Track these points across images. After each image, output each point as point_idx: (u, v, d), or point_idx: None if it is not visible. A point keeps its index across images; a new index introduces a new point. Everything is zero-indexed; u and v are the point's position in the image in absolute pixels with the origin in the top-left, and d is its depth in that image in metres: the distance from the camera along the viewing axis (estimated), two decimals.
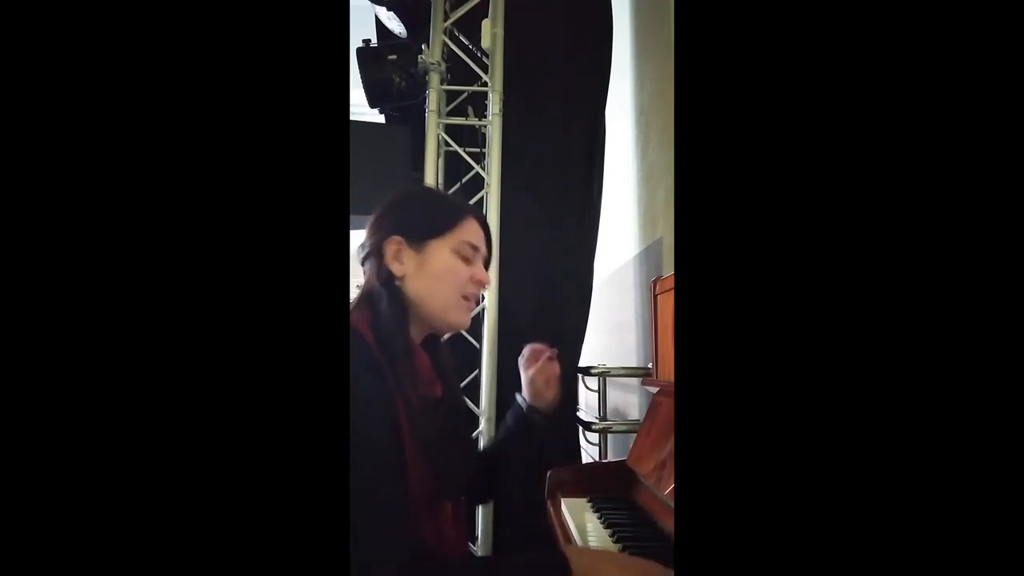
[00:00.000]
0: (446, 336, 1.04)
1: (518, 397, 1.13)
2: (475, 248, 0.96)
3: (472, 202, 2.26)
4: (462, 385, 2.24)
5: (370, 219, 0.97)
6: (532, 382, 1.10)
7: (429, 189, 1.03)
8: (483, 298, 2.23)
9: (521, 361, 1.13)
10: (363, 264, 0.96)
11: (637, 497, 1.33)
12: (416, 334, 0.94)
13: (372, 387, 0.80)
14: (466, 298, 0.95)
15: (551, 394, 1.11)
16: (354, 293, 0.96)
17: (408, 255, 0.93)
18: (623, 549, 1.02)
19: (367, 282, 0.94)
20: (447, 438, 0.95)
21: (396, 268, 0.92)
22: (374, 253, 0.94)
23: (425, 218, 0.96)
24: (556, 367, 1.12)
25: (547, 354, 1.12)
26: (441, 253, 0.93)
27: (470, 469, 1.03)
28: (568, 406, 2.40)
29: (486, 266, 1.01)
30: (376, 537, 0.75)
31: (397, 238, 0.93)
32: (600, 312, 2.82)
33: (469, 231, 0.96)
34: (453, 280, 0.93)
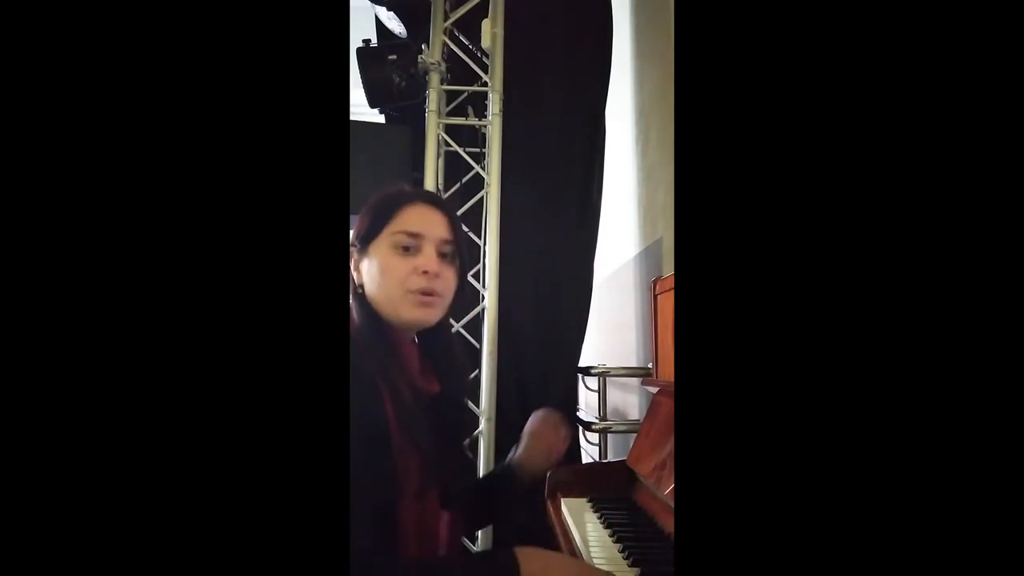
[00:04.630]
0: (453, 330, 1.04)
1: (511, 454, 1.12)
2: (414, 235, 0.91)
3: (472, 202, 2.26)
4: None
5: None
6: (531, 447, 1.09)
7: (386, 188, 0.95)
8: (483, 298, 2.23)
9: (531, 423, 1.11)
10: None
11: (637, 497, 1.33)
12: (404, 332, 0.95)
13: (360, 391, 0.79)
14: (413, 292, 0.89)
15: (547, 464, 1.10)
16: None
17: (362, 263, 0.94)
18: (623, 549, 1.02)
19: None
20: (443, 435, 0.94)
21: (356, 277, 0.94)
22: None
23: (368, 219, 0.94)
24: (564, 440, 1.10)
25: (556, 420, 1.10)
26: (379, 252, 0.91)
27: (466, 470, 1.04)
28: (568, 406, 2.40)
29: (452, 254, 0.94)
30: (361, 542, 0.74)
31: (353, 248, 0.94)
32: (600, 312, 2.82)
33: (406, 219, 0.91)
34: (390, 276, 0.89)
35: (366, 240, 0.93)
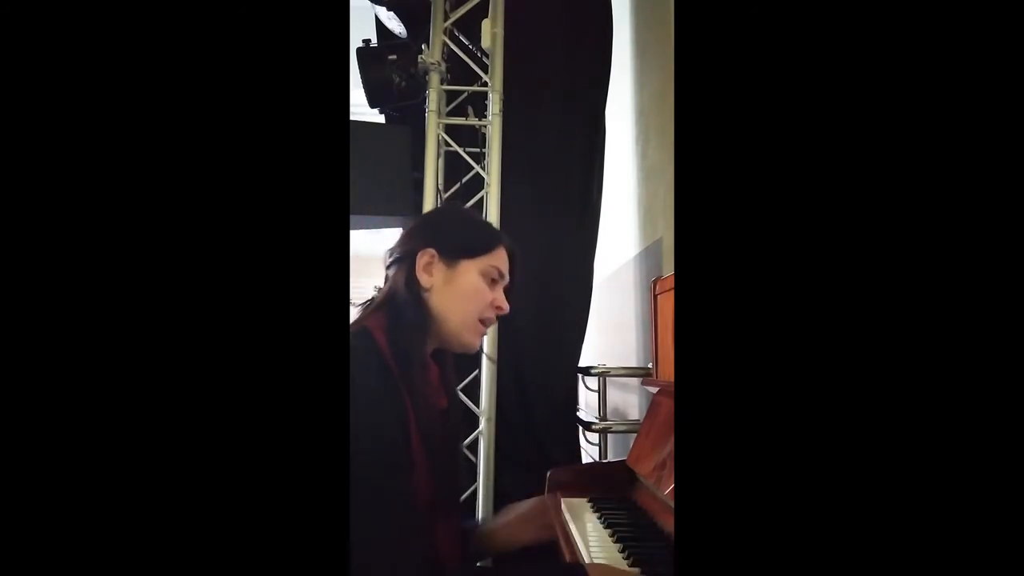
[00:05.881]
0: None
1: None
2: (501, 275, 0.98)
3: (472, 202, 2.26)
4: (462, 385, 2.24)
5: (406, 228, 1.00)
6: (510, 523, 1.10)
7: (469, 211, 1.10)
8: None
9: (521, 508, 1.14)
10: (388, 269, 0.97)
11: (637, 497, 1.33)
12: (428, 346, 0.96)
13: (383, 394, 0.81)
14: (482, 321, 0.97)
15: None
16: (371, 293, 0.97)
17: (438, 269, 0.95)
18: (623, 549, 1.02)
19: (390, 288, 0.95)
20: (450, 447, 0.97)
21: (424, 279, 0.94)
22: (404, 261, 0.95)
23: (461, 237, 0.98)
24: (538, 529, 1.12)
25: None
26: (470, 273, 0.96)
27: (464, 480, 1.07)
28: (568, 406, 2.40)
29: (507, 293, 1.02)
30: (386, 546, 0.75)
31: (431, 251, 0.95)
32: (600, 312, 2.82)
33: (499, 257, 0.98)
34: (476, 301, 0.96)
35: (457, 254, 0.95)
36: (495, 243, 0.99)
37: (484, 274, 0.96)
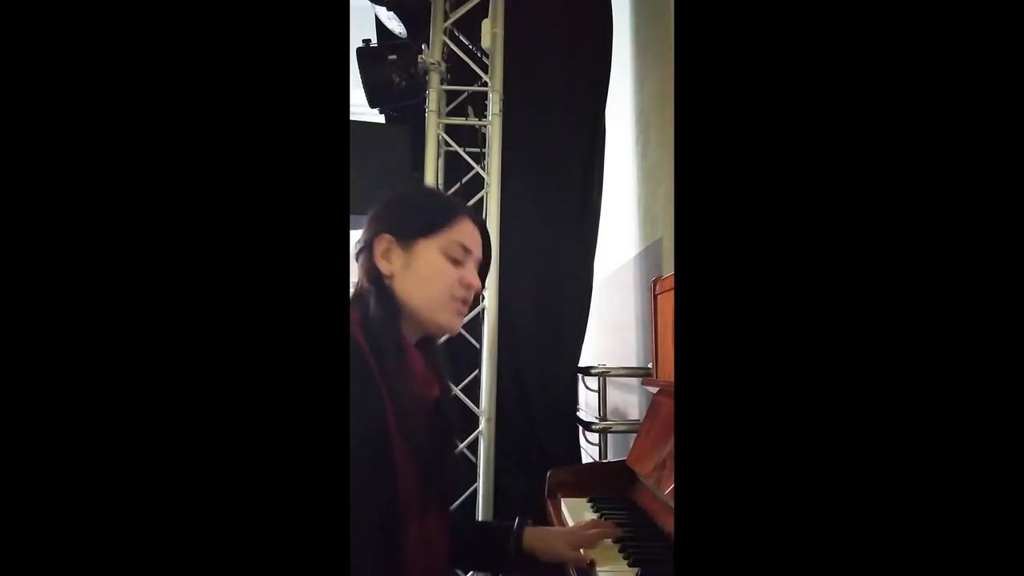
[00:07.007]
0: (442, 339, 1.02)
1: (516, 528, 1.03)
2: (466, 250, 0.94)
3: (472, 202, 2.26)
4: (462, 385, 2.24)
5: (367, 216, 0.96)
6: (548, 546, 1.01)
7: (427, 189, 1.06)
8: (483, 298, 2.23)
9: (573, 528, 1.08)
10: (357, 260, 0.95)
11: (637, 497, 1.33)
12: (410, 334, 0.93)
13: (359, 393, 0.79)
14: (455, 299, 0.93)
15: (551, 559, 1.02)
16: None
17: (396, 254, 0.91)
18: (623, 549, 1.02)
19: (358, 281, 0.93)
20: (442, 439, 0.94)
21: (384, 267, 0.91)
22: (365, 250, 0.93)
23: (415, 217, 0.94)
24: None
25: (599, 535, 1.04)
26: (428, 253, 0.92)
27: (459, 472, 1.04)
28: (568, 406, 2.40)
29: (484, 271, 0.99)
30: (362, 545, 0.74)
31: (387, 236, 0.92)
32: (600, 312, 2.82)
33: (461, 232, 0.94)
34: (438, 281, 0.91)
35: (412, 235, 0.91)
36: (454, 217, 0.94)
37: (445, 251, 0.91)
